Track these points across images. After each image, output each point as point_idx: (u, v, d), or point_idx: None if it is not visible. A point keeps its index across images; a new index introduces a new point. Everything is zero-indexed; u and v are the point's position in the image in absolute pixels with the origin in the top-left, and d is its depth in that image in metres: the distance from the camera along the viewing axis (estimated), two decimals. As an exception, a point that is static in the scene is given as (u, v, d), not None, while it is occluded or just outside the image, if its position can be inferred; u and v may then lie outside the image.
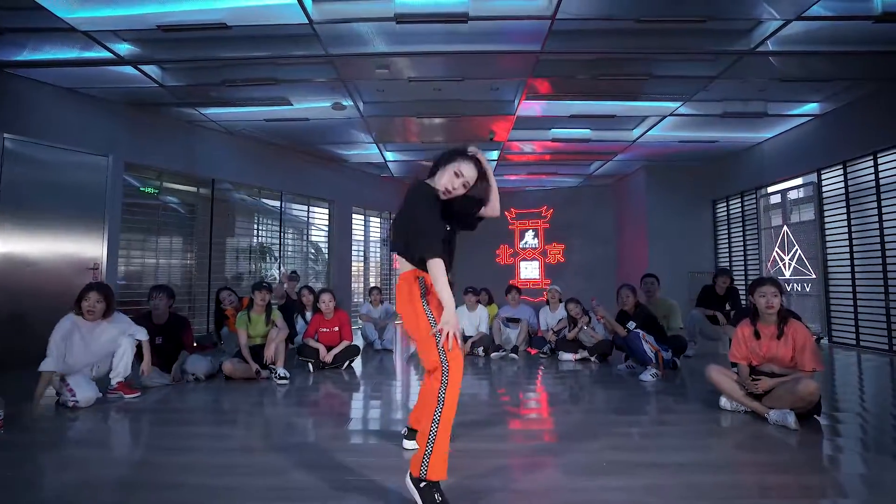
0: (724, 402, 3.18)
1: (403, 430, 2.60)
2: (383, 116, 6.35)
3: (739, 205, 8.02)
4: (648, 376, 4.12)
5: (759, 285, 3.12)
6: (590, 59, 4.86)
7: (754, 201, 7.65)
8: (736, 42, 4.49)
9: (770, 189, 7.42)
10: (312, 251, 8.67)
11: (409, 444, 2.46)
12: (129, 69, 4.88)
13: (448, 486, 2.00)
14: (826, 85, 5.42)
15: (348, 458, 2.40)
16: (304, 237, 8.44)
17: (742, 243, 7.95)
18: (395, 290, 2.46)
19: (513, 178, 10.07)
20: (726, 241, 8.40)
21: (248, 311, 4.49)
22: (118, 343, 3.53)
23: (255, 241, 7.73)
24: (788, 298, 6.28)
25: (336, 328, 4.88)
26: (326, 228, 8.70)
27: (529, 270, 10.89)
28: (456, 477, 2.12)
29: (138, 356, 3.69)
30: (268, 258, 7.81)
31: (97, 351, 3.47)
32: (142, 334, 3.67)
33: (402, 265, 2.15)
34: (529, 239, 10.97)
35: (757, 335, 3.09)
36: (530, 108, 6.08)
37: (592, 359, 5.08)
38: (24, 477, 2.22)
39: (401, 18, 3.98)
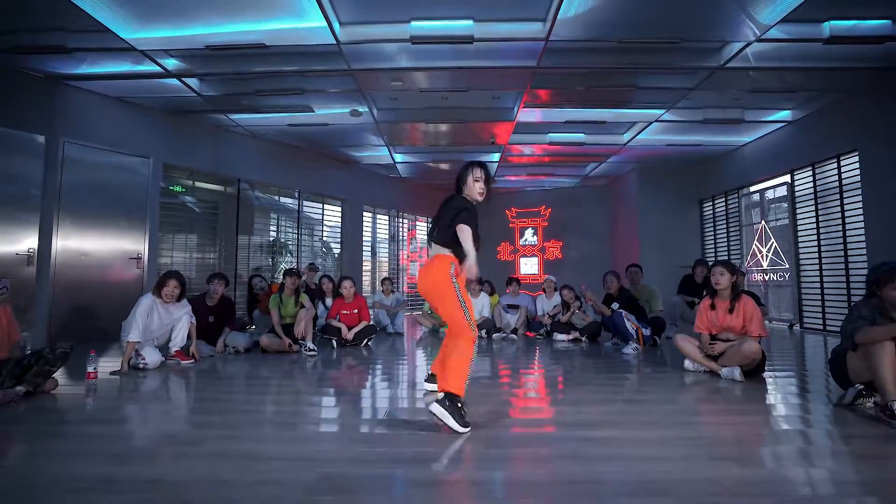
0: (687, 363, 3.81)
1: (426, 376, 3.21)
2: (395, 122, 6.99)
3: (724, 203, 8.64)
4: (630, 350, 4.74)
5: (713, 267, 3.77)
6: (581, 72, 5.49)
7: (736, 200, 8.26)
8: (708, 59, 5.11)
9: (752, 188, 8.04)
10: (323, 248, 9.29)
11: (429, 386, 3.09)
12: (173, 81, 5.52)
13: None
14: (795, 95, 6.04)
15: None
16: (318, 234, 9.07)
17: (726, 239, 8.56)
18: (420, 270, 2.88)
19: (513, 178, 10.70)
20: (712, 237, 9.01)
21: (280, 294, 5.13)
22: (180, 319, 4.17)
23: (275, 236, 8.36)
24: (744, 278, 6.80)
25: (355, 310, 5.51)
26: (339, 226, 9.33)
27: (529, 266, 11.51)
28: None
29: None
30: (284, 253, 8.44)
31: (167, 325, 4.12)
32: (194, 319, 4.32)
33: (435, 250, 2.63)
34: (529, 236, 11.59)
35: (712, 307, 3.72)
36: (528, 114, 6.70)
37: (583, 339, 5.70)
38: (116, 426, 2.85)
39: (415, 40, 4.61)
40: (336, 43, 4.67)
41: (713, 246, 8.97)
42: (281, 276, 8.19)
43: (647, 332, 4.94)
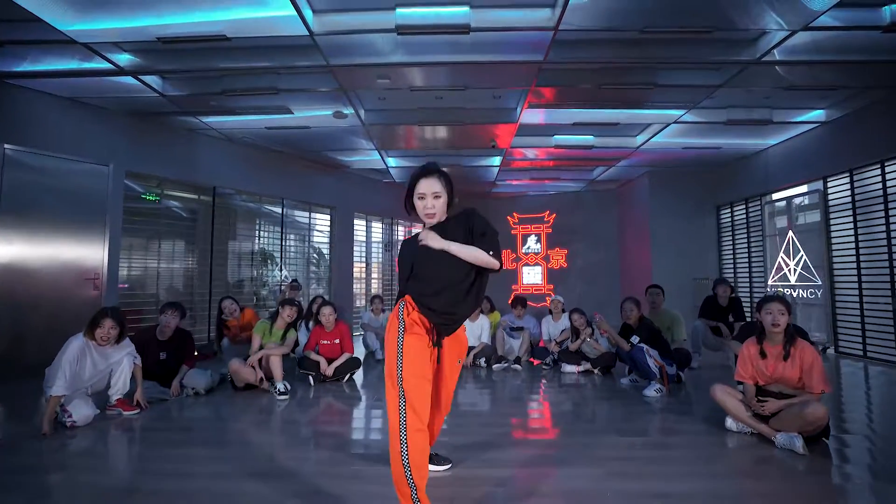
0: (729, 422, 3.13)
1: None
2: (385, 125, 6.31)
3: (744, 211, 7.95)
4: (652, 392, 4.07)
5: (765, 302, 3.06)
6: (593, 68, 4.80)
7: (759, 208, 7.57)
8: (742, 51, 4.43)
9: (775, 196, 7.35)
10: (315, 256, 8.63)
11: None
12: (129, 79, 4.85)
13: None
14: (832, 93, 5.35)
15: (350, 486, 2.36)
16: (306, 243, 8.41)
17: (746, 250, 7.87)
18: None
19: (515, 182, 10.01)
20: (730, 247, 8.33)
21: (272, 322, 4.49)
22: (119, 363, 3.50)
23: (257, 247, 7.70)
24: (795, 314, 6.20)
25: (336, 340, 4.85)
26: (328, 234, 8.66)
27: (532, 276, 10.84)
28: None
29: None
30: (269, 264, 7.78)
31: (103, 371, 3.46)
32: (138, 359, 3.66)
33: None
34: (532, 244, 10.92)
35: (763, 354, 3.04)
36: (533, 115, 6.03)
37: (595, 371, 5.03)
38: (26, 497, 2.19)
39: (402, 30, 3.94)
40: (309, 34, 3.99)
41: (731, 256, 8.28)
42: (265, 293, 7.63)
43: (671, 369, 4.26)
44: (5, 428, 2.84)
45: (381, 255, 9.89)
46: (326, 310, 4.86)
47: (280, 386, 4.12)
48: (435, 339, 2.02)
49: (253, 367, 4.28)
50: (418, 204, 2.10)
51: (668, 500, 2.18)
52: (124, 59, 4.47)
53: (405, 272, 2.11)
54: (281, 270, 7.65)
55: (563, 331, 5.56)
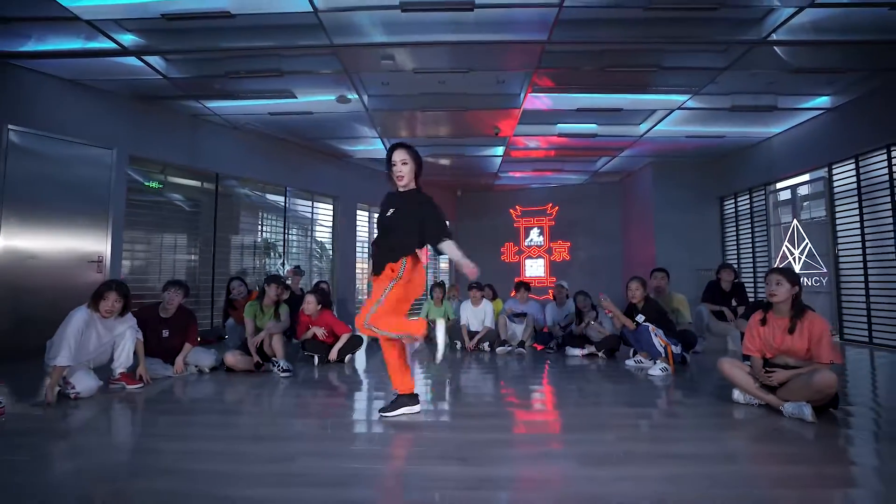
0: (737, 395, 3.11)
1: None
2: (388, 110, 6.31)
3: (748, 201, 7.92)
4: (658, 371, 4.05)
5: (768, 274, 3.06)
6: (597, 49, 4.79)
7: (763, 197, 7.54)
8: (747, 31, 4.41)
9: (779, 185, 7.32)
10: (317, 248, 8.62)
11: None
12: (133, 60, 4.85)
13: (461, 474, 1.96)
14: (838, 77, 5.32)
15: (355, 447, 2.35)
16: (309, 233, 8.40)
17: (750, 240, 7.85)
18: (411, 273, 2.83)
19: (517, 175, 9.99)
20: (734, 237, 8.30)
21: (260, 302, 4.45)
22: (123, 335, 3.49)
23: (260, 237, 7.70)
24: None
25: (323, 328, 4.74)
26: (330, 224, 8.65)
27: (535, 268, 10.81)
28: (470, 465, 2.08)
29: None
30: (272, 254, 7.77)
31: (106, 344, 3.44)
32: (139, 334, 3.64)
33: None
34: (534, 236, 10.90)
35: (763, 322, 3.02)
36: (536, 101, 6.01)
37: (600, 354, 5.01)
38: (30, 464, 2.17)
39: (406, 7, 3.93)
40: (314, 11, 3.98)
41: (735, 246, 8.25)
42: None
43: (676, 349, 4.24)
44: (11, 402, 2.82)
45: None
46: (310, 297, 4.75)
47: (283, 363, 4.10)
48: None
49: (249, 355, 4.22)
50: (392, 171, 2.88)
51: (680, 460, 2.15)
52: (128, 38, 4.47)
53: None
54: (281, 258, 7.63)
55: (566, 315, 5.53)
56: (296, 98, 5.78)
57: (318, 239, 8.60)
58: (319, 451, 2.32)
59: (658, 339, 4.12)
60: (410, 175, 2.88)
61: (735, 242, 8.26)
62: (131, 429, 2.87)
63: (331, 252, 8.67)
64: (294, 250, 8.04)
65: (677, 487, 1.86)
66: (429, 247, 2.88)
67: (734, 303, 5.43)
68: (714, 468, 2.06)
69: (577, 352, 5.07)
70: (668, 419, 2.96)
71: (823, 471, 2.05)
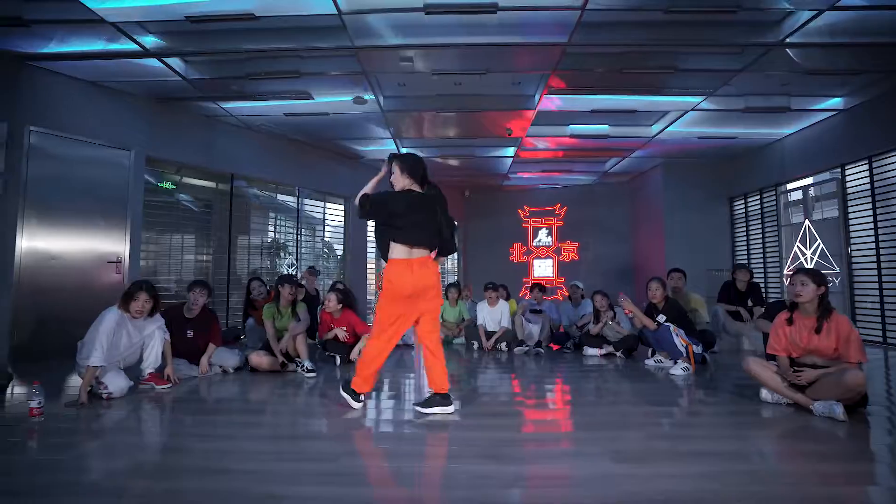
0: (765, 394, 3.14)
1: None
2: (403, 111, 6.34)
3: (758, 201, 7.95)
4: (679, 370, 4.07)
5: (793, 275, 3.10)
6: (615, 52, 4.82)
7: (774, 198, 7.57)
8: (766, 33, 4.45)
9: (791, 185, 7.35)
10: (325, 249, 8.63)
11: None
12: (152, 62, 4.88)
13: (492, 471, 1.99)
14: (852, 78, 5.35)
15: (391, 447, 2.37)
16: (319, 234, 8.42)
17: (761, 240, 7.88)
18: (418, 268, 2.88)
19: (526, 175, 10.03)
20: (744, 238, 8.33)
21: (277, 304, 4.47)
22: (152, 336, 3.52)
23: (273, 237, 7.72)
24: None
25: (345, 328, 4.75)
26: (342, 225, 8.68)
27: (543, 268, 10.84)
28: (506, 463, 2.10)
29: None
30: (282, 255, 7.80)
31: (136, 344, 3.47)
32: (167, 334, 3.67)
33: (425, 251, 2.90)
34: (543, 237, 10.93)
35: (790, 321, 3.05)
36: (551, 103, 6.04)
37: (618, 354, 5.04)
38: (71, 463, 2.20)
39: (430, 9, 3.96)
40: (338, 13, 4.01)
41: (745, 247, 8.28)
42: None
43: (698, 348, 4.26)
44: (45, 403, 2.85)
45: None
46: (331, 295, 4.79)
47: (307, 363, 4.13)
48: None
49: (273, 355, 4.25)
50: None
51: (716, 457, 2.18)
52: (150, 40, 4.50)
53: None
54: (290, 257, 7.65)
55: (582, 316, 5.56)
56: (312, 99, 5.81)
57: (328, 239, 8.62)
58: (359, 450, 2.35)
59: (679, 339, 4.15)
60: (397, 179, 3.07)
61: (745, 243, 8.29)
62: (167, 428, 2.89)
63: (338, 252, 8.69)
64: (304, 251, 8.06)
65: (718, 484, 1.89)
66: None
67: (750, 303, 5.46)
68: (752, 465, 2.10)
69: (595, 351, 5.10)
70: (697, 418, 2.99)
71: (856, 468, 2.09)
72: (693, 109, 6.22)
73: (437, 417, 2.83)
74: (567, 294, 6.02)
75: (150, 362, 3.56)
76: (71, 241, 5.08)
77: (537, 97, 5.89)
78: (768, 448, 2.41)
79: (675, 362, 4.20)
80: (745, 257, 8.24)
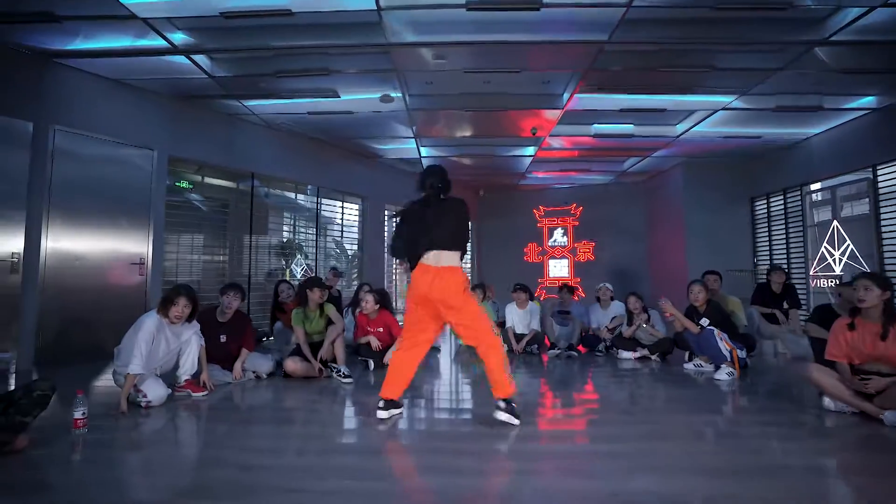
0: (827, 402, 3.04)
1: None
2: (429, 110, 6.23)
3: (782, 202, 7.85)
4: (724, 375, 3.98)
5: (856, 279, 3.01)
6: (652, 50, 4.71)
7: (799, 198, 7.48)
8: (809, 31, 4.34)
9: (817, 185, 7.25)
10: (336, 249, 8.52)
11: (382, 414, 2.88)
12: (178, 59, 4.77)
13: (587, 488, 1.89)
14: (887, 76, 5.24)
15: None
16: (336, 234, 8.32)
17: (784, 241, 7.78)
18: (431, 278, 2.81)
19: (542, 174, 9.92)
20: (766, 238, 8.23)
21: (305, 308, 4.36)
22: (189, 342, 3.42)
23: (291, 236, 7.62)
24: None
25: (381, 329, 4.71)
26: (358, 225, 8.57)
27: (558, 269, 10.75)
28: (596, 479, 2.01)
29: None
30: (297, 255, 7.69)
31: (174, 350, 3.37)
32: (202, 340, 3.58)
33: (445, 257, 2.83)
34: (558, 237, 10.83)
35: (851, 326, 2.96)
36: (579, 102, 5.93)
37: (653, 357, 4.94)
38: (119, 477, 2.10)
39: (472, 6, 3.85)
40: (377, 8, 3.90)
41: (767, 248, 8.19)
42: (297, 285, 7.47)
43: (742, 353, 4.17)
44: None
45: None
46: (369, 297, 4.72)
47: (343, 369, 4.03)
48: None
49: (309, 361, 4.14)
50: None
51: (790, 471, 2.09)
52: (179, 37, 4.39)
53: None
54: (305, 259, 7.56)
55: (613, 318, 5.46)
56: (338, 97, 5.70)
57: (344, 237, 8.50)
58: (430, 465, 2.25)
59: (724, 343, 4.06)
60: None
61: (767, 243, 8.20)
62: (212, 438, 2.79)
63: (351, 252, 8.58)
64: (322, 251, 7.95)
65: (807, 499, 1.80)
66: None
67: (785, 305, 5.37)
68: (828, 479, 2.01)
69: (630, 355, 5.01)
70: (762, 427, 2.83)
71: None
72: (723, 109, 6.12)
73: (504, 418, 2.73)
74: (582, 295, 5.90)
75: (187, 369, 3.47)
76: (95, 242, 4.98)
77: (566, 96, 5.78)
78: (843, 459, 2.32)
79: (717, 367, 4.11)
80: (767, 258, 8.15)
